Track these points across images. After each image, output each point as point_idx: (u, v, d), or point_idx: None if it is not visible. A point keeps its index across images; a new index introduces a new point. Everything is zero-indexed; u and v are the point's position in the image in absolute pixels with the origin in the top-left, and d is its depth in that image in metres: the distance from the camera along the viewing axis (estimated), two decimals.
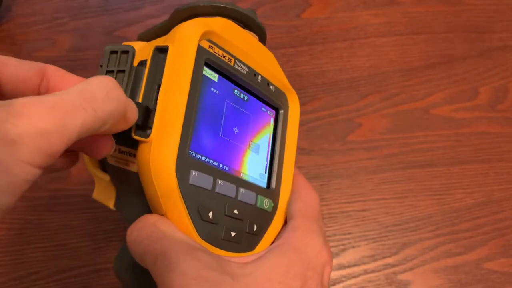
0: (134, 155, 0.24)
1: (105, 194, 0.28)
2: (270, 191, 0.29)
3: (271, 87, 0.30)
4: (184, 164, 0.23)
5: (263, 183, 0.29)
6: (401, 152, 0.45)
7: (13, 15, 0.51)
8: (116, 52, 0.24)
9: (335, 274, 0.39)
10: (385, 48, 0.51)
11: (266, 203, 0.28)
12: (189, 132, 0.23)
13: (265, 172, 0.29)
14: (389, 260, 0.40)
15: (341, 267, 0.40)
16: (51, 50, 0.49)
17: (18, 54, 0.49)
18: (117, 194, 0.27)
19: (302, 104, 0.47)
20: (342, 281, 0.39)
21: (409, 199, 0.43)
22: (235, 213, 0.26)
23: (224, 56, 0.26)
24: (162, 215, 0.23)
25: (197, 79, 0.24)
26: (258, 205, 0.27)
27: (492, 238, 0.42)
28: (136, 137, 0.22)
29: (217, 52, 0.26)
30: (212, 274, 0.20)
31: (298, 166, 0.44)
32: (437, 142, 0.46)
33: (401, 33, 0.52)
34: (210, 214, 0.24)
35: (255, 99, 0.29)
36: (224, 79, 0.27)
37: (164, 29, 0.28)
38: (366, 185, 0.43)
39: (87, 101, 0.18)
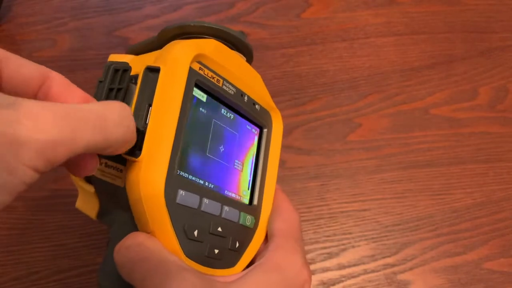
0: (121, 171, 0.25)
1: (88, 204, 0.28)
2: (253, 207, 0.30)
3: (256, 106, 0.31)
4: (172, 184, 0.23)
5: (246, 200, 0.30)
6: (401, 152, 0.45)
7: (13, 15, 0.51)
8: (118, 70, 0.24)
9: (335, 274, 0.39)
10: (385, 48, 0.51)
11: (248, 220, 0.29)
12: (178, 152, 0.24)
13: (248, 189, 0.30)
14: (389, 260, 0.40)
15: (341, 267, 0.40)
16: (51, 50, 0.49)
17: (18, 54, 0.49)
18: (101, 206, 0.28)
19: (302, 104, 0.48)
20: (342, 281, 0.39)
21: (409, 199, 0.43)
22: (219, 231, 0.26)
23: (213, 78, 0.27)
24: (149, 233, 0.23)
25: (187, 100, 0.25)
26: (240, 222, 0.28)
27: (492, 238, 0.42)
28: (126, 156, 0.23)
29: (206, 73, 0.26)
30: None
31: (298, 166, 0.44)
32: (437, 142, 0.46)
33: (401, 33, 0.52)
34: (196, 232, 0.25)
35: (241, 118, 0.30)
36: (212, 99, 0.28)
37: (152, 45, 0.28)
38: (366, 185, 0.43)
39: (100, 120, 0.18)
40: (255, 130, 0.32)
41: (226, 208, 0.27)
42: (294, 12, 0.53)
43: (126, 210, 0.24)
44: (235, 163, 0.29)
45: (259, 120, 0.31)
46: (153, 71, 0.24)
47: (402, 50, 0.51)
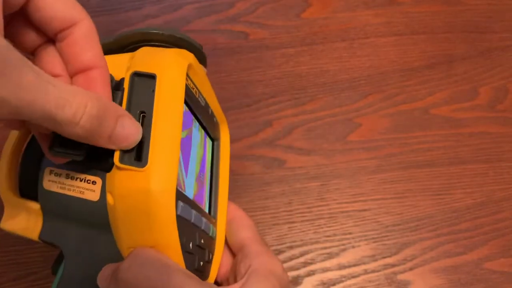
0: (94, 183, 0.23)
1: (24, 223, 0.25)
2: (213, 219, 0.30)
3: (214, 119, 0.31)
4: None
5: (207, 211, 0.30)
6: (401, 152, 0.45)
7: None
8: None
9: (335, 274, 0.39)
10: (385, 48, 0.51)
11: (213, 231, 0.29)
12: (180, 163, 0.23)
13: (207, 201, 0.30)
14: (389, 260, 0.40)
15: (341, 267, 0.40)
16: None
17: None
18: (46, 224, 0.25)
19: (302, 104, 0.48)
20: (342, 281, 0.39)
21: (409, 199, 0.43)
22: (202, 243, 0.26)
23: (193, 89, 0.27)
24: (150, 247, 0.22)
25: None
26: (210, 234, 0.28)
27: (492, 238, 0.42)
28: (122, 165, 0.21)
29: (189, 84, 0.26)
30: None
31: (298, 166, 0.44)
32: (437, 142, 0.46)
33: (401, 33, 0.52)
34: (190, 245, 0.24)
35: (204, 130, 0.30)
36: (189, 110, 0.27)
37: (109, 47, 0.27)
38: (366, 185, 0.43)
39: (55, 107, 0.18)
40: (210, 143, 0.32)
41: (204, 220, 0.27)
42: (294, 12, 0.53)
43: (92, 225, 0.23)
44: (201, 176, 0.29)
45: (214, 133, 0.32)
46: (143, 77, 0.23)
47: (402, 50, 0.51)
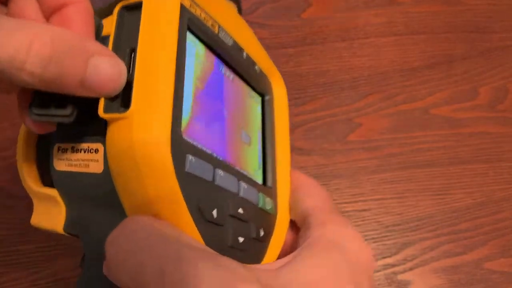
0: (97, 151, 0.19)
1: (49, 216, 0.21)
2: (268, 189, 0.24)
3: (256, 67, 0.25)
4: (177, 147, 0.17)
5: (259, 180, 0.24)
6: (401, 152, 0.45)
7: None
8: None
9: None
10: (385, 48, 0.51)
11: (268, 203, 0.23)
12: (180, 109, 0.18)
13: (259, 168, 0.25)
14: (389, 260, 0.40)
15: None
16: None
17: None
18: (68, 213, 0.21)
19: (302, 104, 0.48)
20: None
21: (409, 199, 0.43)
22: (240, 213, 0.20)
23: (207, 20, 0.21)
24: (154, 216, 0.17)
25: (181, 44, 0.19)
26: (260, 205, 0.23)
27: (492, 238, 0.42)
28: (106, 115, 0.17)
29: (199, 14, 0.20)
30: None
31: (298, 166, 0.44)
32: (437, 142, 0.46)
33: (401, 33, 0.52)
34: (215, 212, 0.19)
35: (240, 80, 0.24)
36: (207, 48, 0.21)
37: (103, 13, 0.23)
38: (366, 185, 0.43)
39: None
40: (258, 99, 0.26)
41: (243, 185, 0.21)
42: (294, 12, 0.52)
43: (108, 204, 0.18)
44: (242, 135, 0.23)
45: (259, 86, 0.26)
46: (132, 9, 0.19)
47: (402, 50, 0.51)
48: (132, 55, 0.18)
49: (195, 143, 0.19)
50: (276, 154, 0.26)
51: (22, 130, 0.24)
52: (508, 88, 0.49)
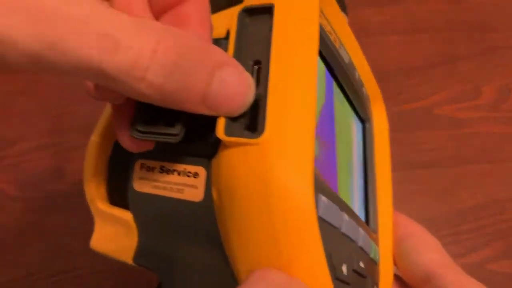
0: (196, 175, 0.16)
1: (116, 242, 0.19)
2: (373, 233, 0.20)
3: (363, 89, 0.22)
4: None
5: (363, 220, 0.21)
6: (403, 152, 0.45)
7: None
8: None
9: None
10: (387, 47, 0.50)
11: (376, 252, 0.20)
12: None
13: (362, 208, 0.21)
14: None
15: None
16: None
17: None
18: (141, 241, 0.18)
19: None
20: None
21: (411, 200, 0.43)
22: (361, 267, 0.17)
23: (331, 33, 0.18)
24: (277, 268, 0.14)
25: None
26: (372, 255, 0.19)
27: (495, 239, 0.41)
28: (228, 138, 0.14)
29: (325, 25, 0.17)
30: None
31: None
32: (439, 142, 0.46)
33: (403, 32, 0.51)
34: (344, 268, 0.15)
35: (346, 102, 0.21)
36: (327, 67, 0.19)
37: (220, 2, 0.20)
38: None
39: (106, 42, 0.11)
40: (359, 124, 0.23)
41: (361, 231, 0.18)
42: None
43: (204, 240, 0.15)
44: (348, 168, 0.20)
45: (363, 111, 0.22)
46: (257, 14, 0.16)
47: (405, 49, 0.50)
48: (255, 68, 0.15)
49: (323, 180, 0.16)
50: (377, 191, 0.23)
51: (93, 142, 0.21)
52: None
